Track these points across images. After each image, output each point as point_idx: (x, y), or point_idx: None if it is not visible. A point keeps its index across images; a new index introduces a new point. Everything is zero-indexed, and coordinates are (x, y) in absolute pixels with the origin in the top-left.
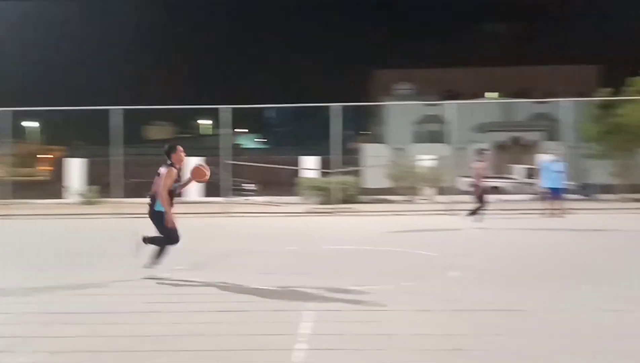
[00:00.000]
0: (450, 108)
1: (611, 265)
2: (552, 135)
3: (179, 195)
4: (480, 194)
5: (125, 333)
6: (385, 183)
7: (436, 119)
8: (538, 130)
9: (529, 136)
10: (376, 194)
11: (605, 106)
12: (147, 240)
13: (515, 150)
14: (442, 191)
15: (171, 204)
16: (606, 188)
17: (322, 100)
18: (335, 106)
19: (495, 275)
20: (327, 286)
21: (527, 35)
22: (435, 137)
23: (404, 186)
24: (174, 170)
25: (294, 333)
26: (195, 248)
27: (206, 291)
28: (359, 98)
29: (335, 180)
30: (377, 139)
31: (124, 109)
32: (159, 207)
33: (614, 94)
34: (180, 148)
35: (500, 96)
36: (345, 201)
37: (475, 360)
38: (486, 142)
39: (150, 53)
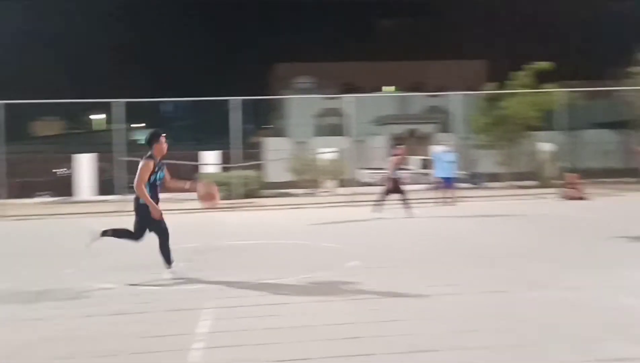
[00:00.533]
0: (349, 101)
1: (497, 249)
2: (445, 127)
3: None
4: (395, 186)
5: (10, 339)
6: (288, 177)
7: (336, 112)
8: (432, 123)
9: (423, 128)
10: (279, 188)
11: (492, 99)
12: (108, 232)
13: (411, 142)
14: (343, 183)
15: (157, 198)
16: (493, 177)
17: (221, 94)
18: (235, 100)
19: (394, 263)
20: (227, 282)
21: (420, 31)
22: (336, 130)
23: (306, 179)
24: (151, 163)
25: (191, 333)
26: (89, 250)
27: (101, 293)
28: (259, 92)
29: (237, 174)
30: (278, 133)
31: (6, 104)
32: (143, 201)
33: (499, 88)
34: (163, 137)
35: (396, 90)
36: (248, 196)
37: (373, 347)
38: (384, 134)
39: (37, 43)
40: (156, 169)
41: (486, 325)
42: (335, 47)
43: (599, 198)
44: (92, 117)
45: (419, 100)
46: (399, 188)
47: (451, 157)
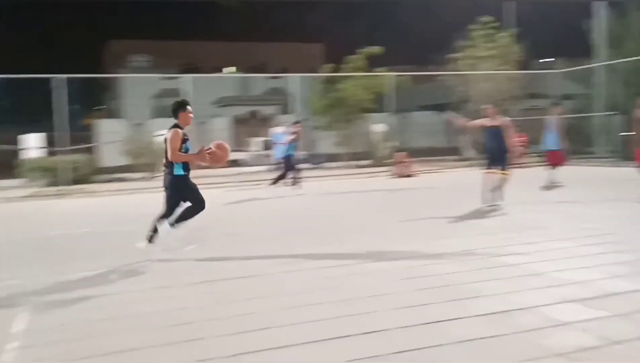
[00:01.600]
0: (188, 82)
1: (332, 225)
2: (286, 109)
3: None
4: (290, 165)
5: None
6: (123, 161)
7: (175, 93)
8: (273, 104)
9: (265, 110)
10: (113, 173)
11: (329, 81)
12: (174, 222)
13: (253, 123)
14: None
15: (188, 169)
16: (332, 157)
17: (50, 72)
18: (59, 78)
19: (233, 245)
20: (50, 276)
21: (261, 13)
22: None
23: (143, 163)
24: (180, 131)
25: (5, 333)
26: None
27: None
28: (92, 70)
29: (64, 159)
30: (112, 114)
31: None
32: (177, 171)
33: (335, 71)
34: (189, 107)
35: (237, 71)
36: (77, 181)
37: (205, 331)
38: (226, 116)
39: None
40: (185, 138)
41: (319, 298)
42: (175, 25)
43: (425, 175)
44: None
45: (260, 81)
46: (292, 165)
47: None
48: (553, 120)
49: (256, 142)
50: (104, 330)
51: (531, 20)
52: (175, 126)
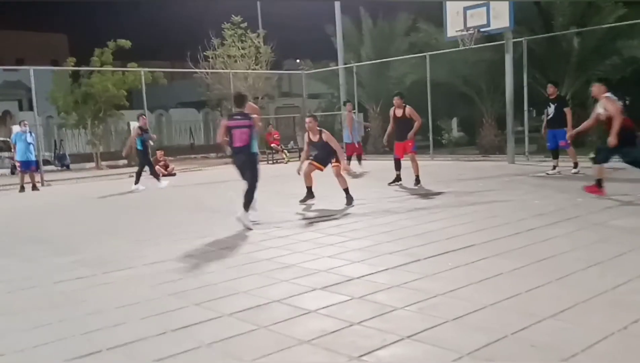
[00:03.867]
0: None
1: (73, 233)
2: (25, 105)
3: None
4: (144, 157)
5: None
6: None
7: None
8: (8, 100)
9: (0, 106)
10: None
11: (75, 76)
12: (245, 204)
13: None
14: None
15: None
16: (84, 157)
17: None
18: None
19: None
20: None
21: None
22: None
23: None
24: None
25: None
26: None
27: None
28: None
29: None
30: None
31: None
32: (254, 149)
33: (83, 64)
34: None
35: None
36: None
37: None
38: None
39: None
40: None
41: (62, 314)
42: None
43: (185, 173)
44: None
45: None
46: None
47: (30, 137)
48: (346, 116)
49: None
50: None
51: (283, 22)
52: (247, 115)
